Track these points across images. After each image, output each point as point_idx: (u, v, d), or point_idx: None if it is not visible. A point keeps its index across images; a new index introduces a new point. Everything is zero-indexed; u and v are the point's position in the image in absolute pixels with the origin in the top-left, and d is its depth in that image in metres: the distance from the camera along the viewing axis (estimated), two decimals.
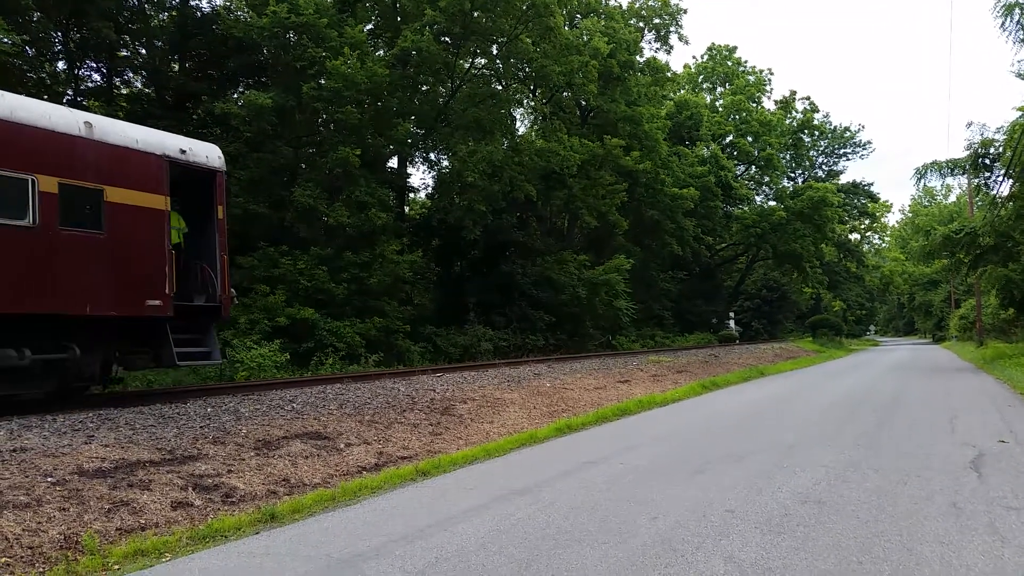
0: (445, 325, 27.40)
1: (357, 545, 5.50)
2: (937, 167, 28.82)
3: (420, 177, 46.74)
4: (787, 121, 64.27)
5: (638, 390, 17.43)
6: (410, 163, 32.38)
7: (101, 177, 10.46)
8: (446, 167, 31.49)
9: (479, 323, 28.57)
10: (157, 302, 11.02)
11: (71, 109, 11.13)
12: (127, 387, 13.89)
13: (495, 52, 30.28)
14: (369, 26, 28.77)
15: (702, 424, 12.26)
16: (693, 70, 64.56)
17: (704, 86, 64.74)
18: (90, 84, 24.65)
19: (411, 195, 35.03)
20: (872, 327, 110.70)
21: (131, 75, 25.77)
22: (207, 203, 12.41)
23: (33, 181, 9.59)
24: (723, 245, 60.66)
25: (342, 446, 9.22)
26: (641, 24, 45.82)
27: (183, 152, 11.72)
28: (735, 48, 64.49)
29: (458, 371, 18.51)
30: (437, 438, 10.58)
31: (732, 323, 53.65)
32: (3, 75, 17.81)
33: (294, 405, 10.99)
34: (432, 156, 33.82)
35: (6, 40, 16.79)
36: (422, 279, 28.07)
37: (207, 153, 12.33)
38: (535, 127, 39.10)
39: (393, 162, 30.03)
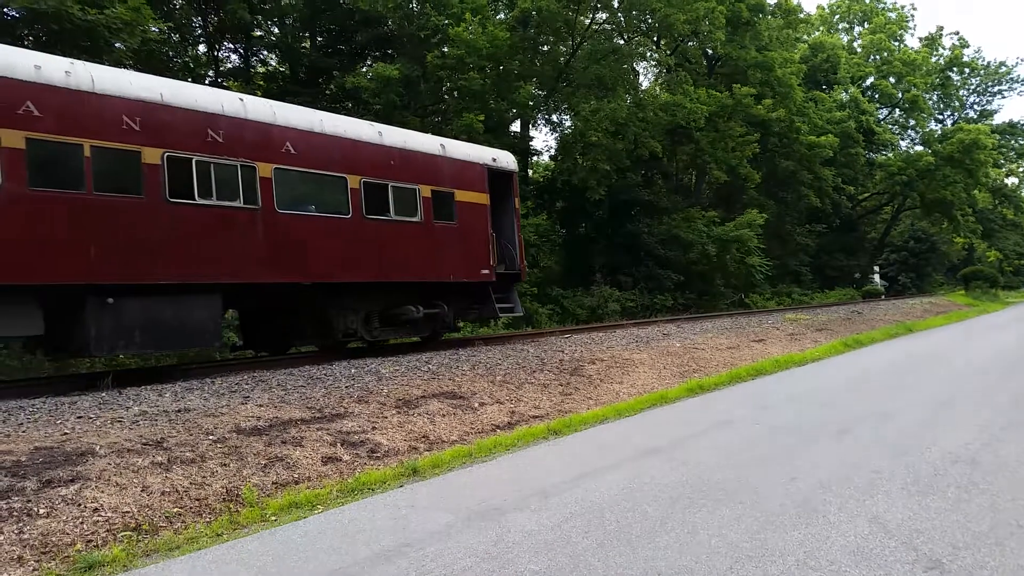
0: (572, 287, 27.45)
1: (494, 499, 5.68)
2: None
3: (543, 139, 46.88)
4: (933, 59, 59.29)
5: (774, 349, 16.85)
6: (533, 126, 32.40)
7: (452, 183, 14.56)
8: (568, 127, 31.26)
9: (605, 284, 28.43)
10: (486, 271, 15.15)
11: (432, 136, 15.60)
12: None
13: (616, 5, 29.55)
14: None
15: (844, 383, 11.73)
16: (827, 11, 60.66)
17: (840, 27, 60.71)
18: (229, 65, 26.10)
19: (534, 158, 35.08)
20: None
21: (266, 54, 27.05)
22: (506, 196, 16.22)
23: (417, 190, 13.73)
24: (866, 195, 57.19)
25: (476, 405, 9.50)
26: None
27: (494, 160, 15.87)
28: None
29: (586, 332, 18.54)
30: (567, 398, 10.68)
31: (877, 277, 50.84)
32: (151, 61, 19.14)
33: (430, 366, 11.39)
34: (554, 117, 33.70)
35: (154, 29, 18.00)
36: (548, 241, 28.17)
37: (506, 160, 16.42)
38: (659, 80, 38.04)
39: (516, 126, 30.14)
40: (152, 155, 10.05)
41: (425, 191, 13.83)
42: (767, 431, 7.87)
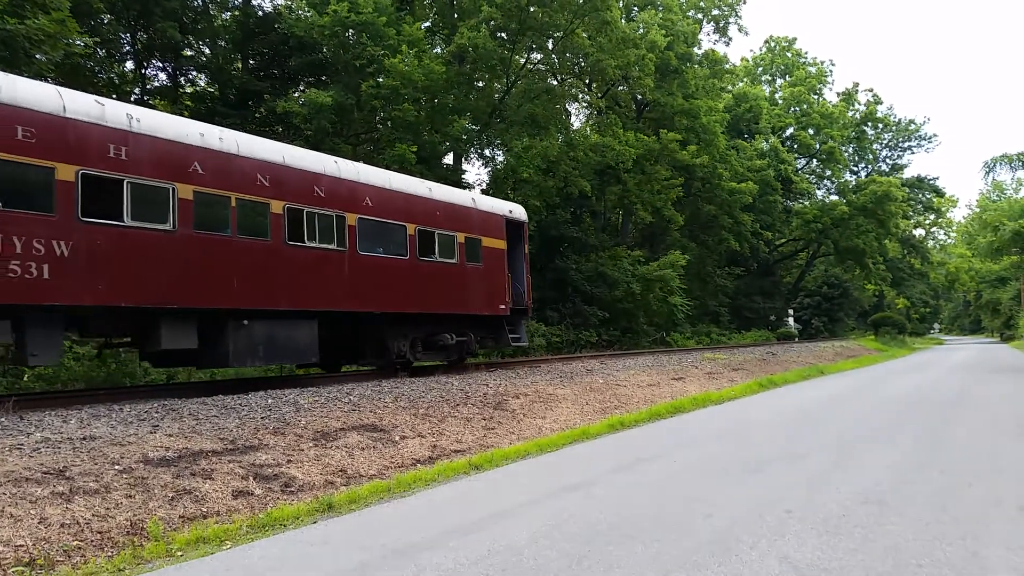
0: None
1: (412, 536, 5.60)
2: (1007, 160, 27.77)
3: (475, 173, 47.10)
4: (849, 113, 62.64)
5: (693, 388, 17.25)
6: (465, 159, 32.59)
7: (480, 231, 17.05)
8: (501, 163, 31.59)
9: (532, 319, 28.57)
10: (503, 306, 17.62)
11: (466, 191, 18.47)
12: (191, 377, 14.63)
13: (551, 47, 30.25)
14: (426, 24, 29.02)
15: (759, 422, 12.08)
16: (751, 62, 63.44)
17: (763, 79, 63.53)
18: (156, 84, 25.42)
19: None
20: (936, 325, 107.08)
21: (195, 74, 26.49)
22: (517, 242, 18.83)
23: (455, 236, 16.20)
24: (783, 240, 59.54)
25: (397, 438, 9.37)
26: (699, 16, 45.16)
27: (510, 212, 18.58)
28: (795, 40, 63.29)
29: (511, 367, 18.59)
30: (490, 432, 10.66)
31: (791, 320, 52.65)
32: (76, 76, 18.47)
33: (351, 397, 11.20)
34: (487, 152, 33.99)
35: (79, 42, 17.42)
36: None
37: (520, 212, 19.22)
38: (590, 122, 38.93)
39: (448, 158, 30.26)
40: (277, 206, 12.33)
41: (460, 237, 16.36)
42: (685, 468, 8.02)
